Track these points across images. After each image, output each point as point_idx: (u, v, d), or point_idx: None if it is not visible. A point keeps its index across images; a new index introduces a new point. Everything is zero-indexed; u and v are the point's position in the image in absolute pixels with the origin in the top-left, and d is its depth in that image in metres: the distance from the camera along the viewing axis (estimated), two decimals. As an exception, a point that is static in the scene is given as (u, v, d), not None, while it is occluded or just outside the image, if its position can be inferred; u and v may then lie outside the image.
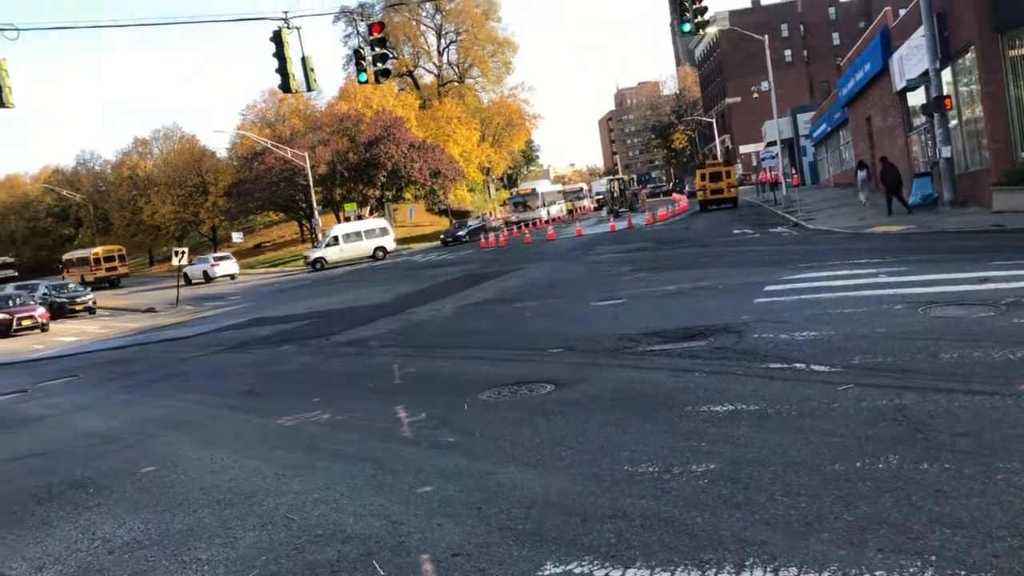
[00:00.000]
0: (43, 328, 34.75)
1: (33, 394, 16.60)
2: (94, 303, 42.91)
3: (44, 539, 6.78)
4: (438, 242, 62.01)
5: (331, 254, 54.55)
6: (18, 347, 29.44)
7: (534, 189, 73.99)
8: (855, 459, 5.71)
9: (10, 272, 76.52)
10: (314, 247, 58.69)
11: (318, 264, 53.64)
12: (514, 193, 77.70)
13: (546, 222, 67.34)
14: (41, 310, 35.89)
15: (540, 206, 70.53)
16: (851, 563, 4.25)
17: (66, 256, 73.30)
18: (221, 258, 59.86)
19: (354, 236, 55.92)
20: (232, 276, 57.74)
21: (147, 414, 12.04)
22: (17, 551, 6.59)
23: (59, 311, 40.77)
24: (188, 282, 51.99)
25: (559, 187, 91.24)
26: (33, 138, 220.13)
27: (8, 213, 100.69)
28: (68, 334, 32.45)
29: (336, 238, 55.27)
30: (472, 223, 64.78)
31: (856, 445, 5.99)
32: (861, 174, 34.28)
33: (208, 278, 56.92)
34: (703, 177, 50.66)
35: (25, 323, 34.37)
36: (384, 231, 57.31)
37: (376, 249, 55.34)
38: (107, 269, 64.86)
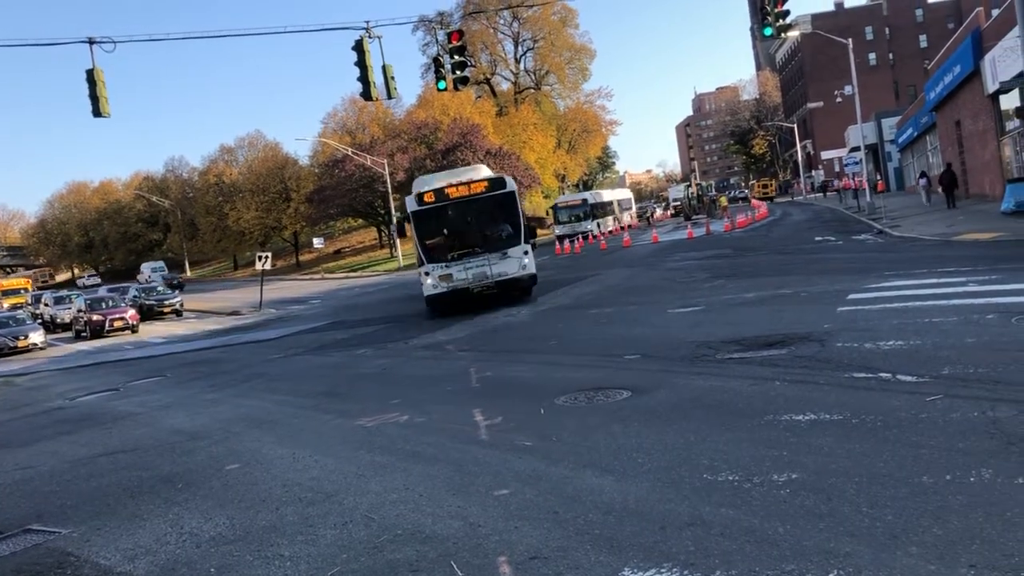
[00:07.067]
0: (133, 329, 36.17)
1: (124, 392, 17.24)
2: (181, 306, 44.33)
3: (135, 531, 7.03)
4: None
5: None
6: (110, 347, 30.63)
7: None
8: (945, 472, 5.53)
9: None
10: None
11: None
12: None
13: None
14: (131, 312, 37.37)
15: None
16: (941, 578, 4.12)
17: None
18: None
19: None
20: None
21: (231, 413, 12.38)
22: (111, 542, 6.85)
23: (148, 313, 42.28)
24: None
25: None
26: (125, 144, 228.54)
27: (102, 219, 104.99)
28: (156, 335, 33.61)
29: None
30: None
31: (946, 457, 5.80)
32: (922, 181, 43.43)
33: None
34: (759, 186, 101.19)
35: (117, 324, 35.86)
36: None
37: None
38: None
